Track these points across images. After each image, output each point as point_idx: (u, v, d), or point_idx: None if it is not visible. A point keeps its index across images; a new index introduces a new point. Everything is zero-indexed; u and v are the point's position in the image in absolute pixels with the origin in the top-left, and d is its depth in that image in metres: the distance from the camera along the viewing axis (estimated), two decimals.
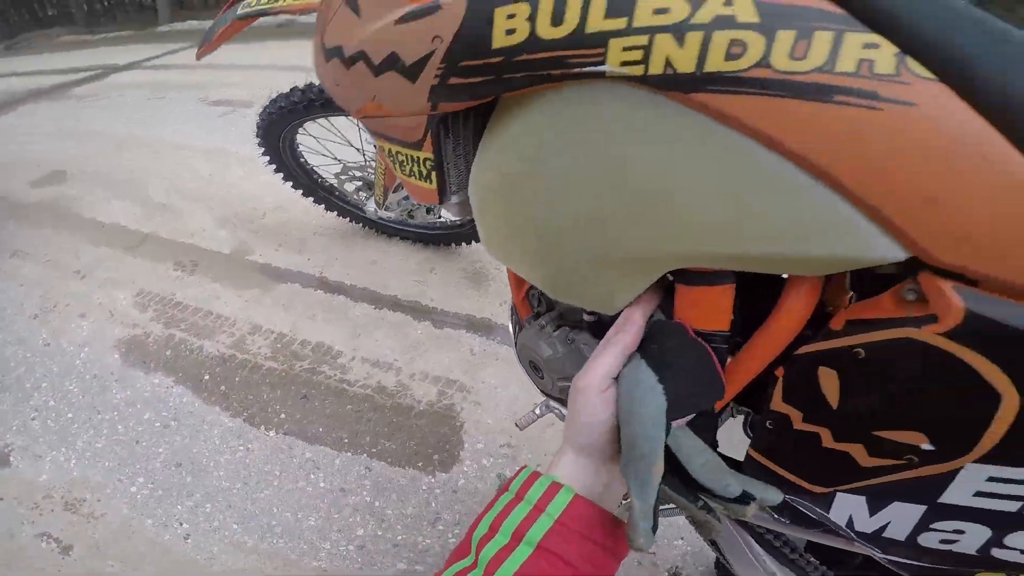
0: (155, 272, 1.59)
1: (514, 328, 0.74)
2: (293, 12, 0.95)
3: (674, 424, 0.41)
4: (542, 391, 0.69)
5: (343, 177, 1.52)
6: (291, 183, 1.56)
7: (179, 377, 1.25)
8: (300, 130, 1.42)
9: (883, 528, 0.42)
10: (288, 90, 1.29)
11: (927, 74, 0.32)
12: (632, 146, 0.42)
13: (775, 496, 0.40)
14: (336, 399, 1.16)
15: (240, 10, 1.01)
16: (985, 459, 0.35)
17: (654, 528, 0.36)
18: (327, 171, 1.56)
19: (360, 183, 1.52)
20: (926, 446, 0.37)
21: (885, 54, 0.33)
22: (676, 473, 0.41)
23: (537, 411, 0.73)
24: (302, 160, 1.52)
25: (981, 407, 0.33)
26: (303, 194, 1.59)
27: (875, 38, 0.33)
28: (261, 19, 1.14)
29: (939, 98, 0.32)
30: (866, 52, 0.33)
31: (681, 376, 0.41)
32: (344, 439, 1.08)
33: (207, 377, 1.24)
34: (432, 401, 1.14)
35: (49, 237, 1.77)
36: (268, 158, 1.49)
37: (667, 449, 0.40)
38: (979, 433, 0.34)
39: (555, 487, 0.40)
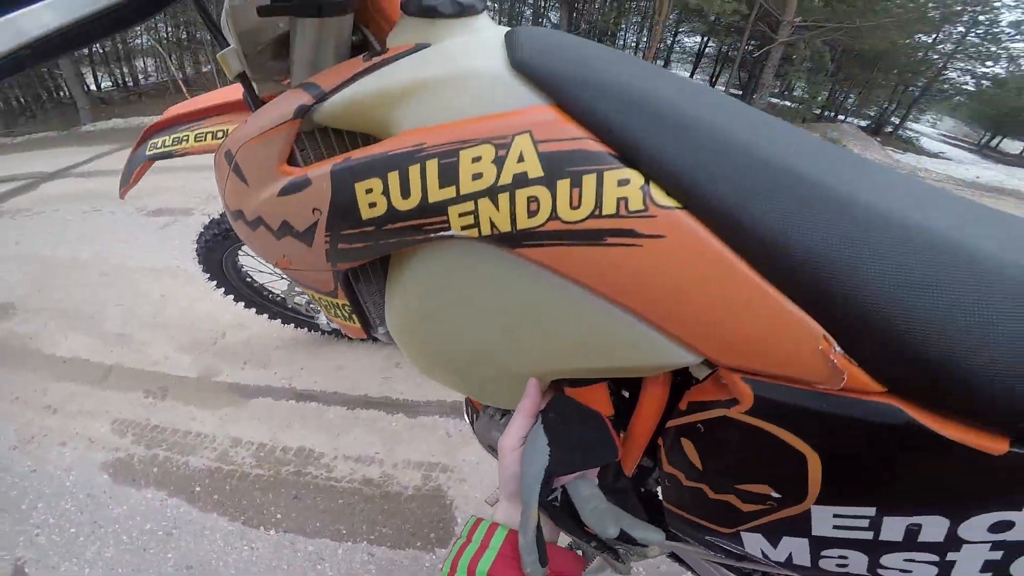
0: (126, 401, 1.65)
1: (470, 418, 0.85)
2: (196, 153, 1.01)
3: (567, 477, 0.48)
4: None
5: (292, 292, 1.60)
6: (243, 303, 1.62)
7: (171, 490, 1.35)
8: (240, 251, 1.47)
9: (790, 557, 0.45)
10: (219, 215, 1.36)
11: (670, 203, 0.38)
12: (488, 293, 0.50)
13: (656, 536, 0.44)
14: (326, 496, 1.30)
15: (148, 151, 1.07)
16: (822, 502, 0.39)
17: (542, 561, 0.42)
18: (276, 287, 1.64)
19: (309, 296, 1.58)
20: (775, 494, 0.41)
21: (634, 189, 0.39)
22: (572, 517, 0.46)
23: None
24: (249, 280, 1.59)
25: (794, 464, 0.38)
26: (256, 312, 1.65)
27: (626, 172, 0.39)
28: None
29: (682, 227, 0.37)
30: (620, 190, 0.39)
31: (569, 441, 0.47)
32: (342, 530, 1.22)
33: (198, 488, 1.35)
34: (419, 485, 1.31)
35: (10, 376, 1.79)
36: (215, 283, 1.54)
37: (567, 496, 0.47)
38: (803, 483, 0.39)
39: (494, 527, 0.47)
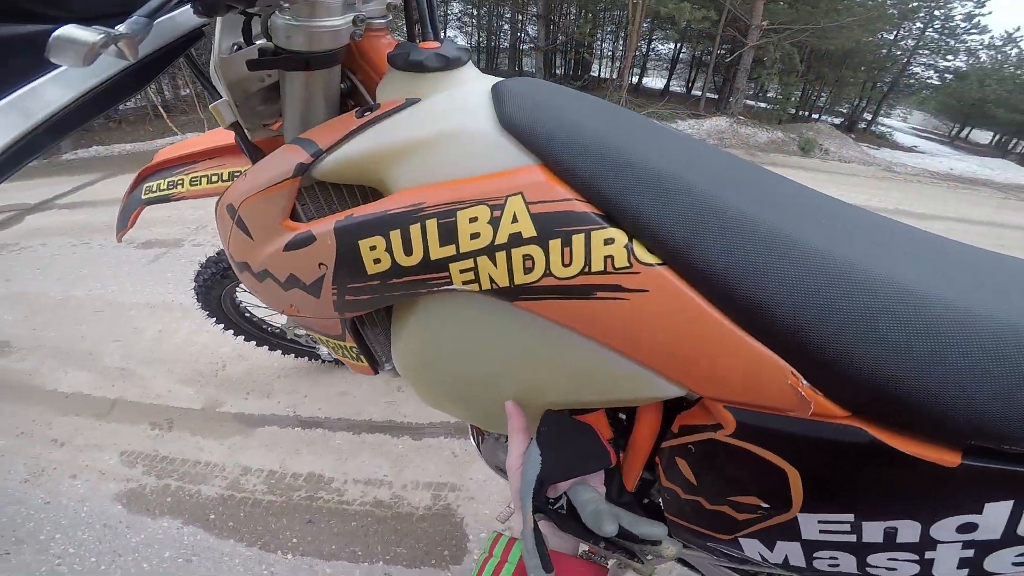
0: (133, 434, 1.66)
1: (476, 441, 0.88)
2: (193, 198, 1.02)
3: (565, 484, 0.51)
4: None
5: (291, 325, 1.61)
6: (243, 337, 1.63)
7: (186, 519, 1.37)
8: (238, 288, 1.48)
9: (787, 560, 0.48)
10: (215, 253, 1.39)
11: (651, 259, 0.41)
12: (489, 338, 0.53)
13: (657, 530, 0.47)
14: (340, 519, 1.34)
15: (143, 195, 1.08)
16: (806, 510, 0.43)
17: (546, 567, 0.44)
18: (275, 320, 1.65)
19: (315, 338, 1.55)
20: (764, 505, 0.45)
21: (619, 247, 0.42)
22: (577, 521, 0.49)
23: (511, 506, 0.85)
24: (248, 315, 1.61)
25: (777, 478, 0.42)
26: (256, 344, 1.67)
27: (611, 232, 0.42)
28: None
29: (662, 282, 0.41)
30: (607, 249, 0.42)
31: (560, 451, 0.50)
32: (358, 552, 1.26)
33: (212, 516, 1.37)
34: (429, 505, 1.35)
35: (13, 411, 1.79)
36: (215, 319, 1.55)
37: (571, 503, 0.50)
38: (787, 494, 0.43)
39: (512, 541, 0.50)
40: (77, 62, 0.35)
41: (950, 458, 0.37)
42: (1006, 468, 0.36)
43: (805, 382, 0.39)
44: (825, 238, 0.43)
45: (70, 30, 0.34)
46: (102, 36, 0.35)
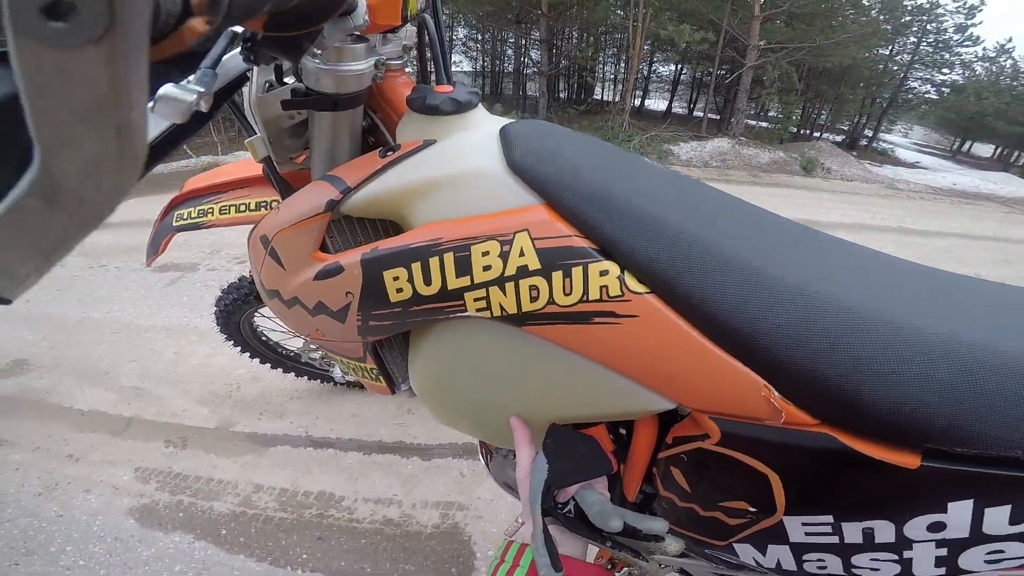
0: (148, 450, 1.69)
1: (485, 459, 0.91)
2: (222, 226, 1.05)
3: (571, 489, 0.55)
4: None
5: (307, 348, 1.66)
6: (258, 359, 1.68)
7: (198, 534, 1.39)
8: (256, 313, 1.54)
9: (779, 564, 0.51)
10: (237, 279, 1.44)
11: (641, 288, 0.46)
12: (500, 360, 0.57)
13: (659, 525, 0.50)
14: (349, 536, 1.36)
15: (175, 222, 1.11)
16: (790, 513, 0.46)
17: (555, 566, 0.47)
18: (290, 344, 1.71)
19: (336, 361, 1.55)
20: (752, 509, 0.49)
21: (612, 278, 0.46)
22: (584, 522, 0.53)
23: (519, 520, 0.85)
24: (264, 338, 1.65)
25: (761, 483, 0.46)
26: (271, 367, 1.71)
27: (605, 265, 0.46)
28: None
29: (651, 308, 0.46)
30: (602, 279, 0.46)
31: (565, 460, 0.54)
32: (367, 568, 1.28)
33: (224, 531, 1.40)
34: (437, 524, 1.37)
35: (30, 427, 1.83)
36: (232, 342, 1.60)
37: (578, 505, 0.54)
38: (771, 498, 0.46)
39: (523, 547, 0.53)
40: (178, 118, 0.40)
41: (910, 460, 0.41)
42: (962, 469, 0.40)
43: (777, 394, 0.44)
44: (797, 266, 0.48)
45: (171, 90, 0.39)
46: (195, 96, 0.40)
